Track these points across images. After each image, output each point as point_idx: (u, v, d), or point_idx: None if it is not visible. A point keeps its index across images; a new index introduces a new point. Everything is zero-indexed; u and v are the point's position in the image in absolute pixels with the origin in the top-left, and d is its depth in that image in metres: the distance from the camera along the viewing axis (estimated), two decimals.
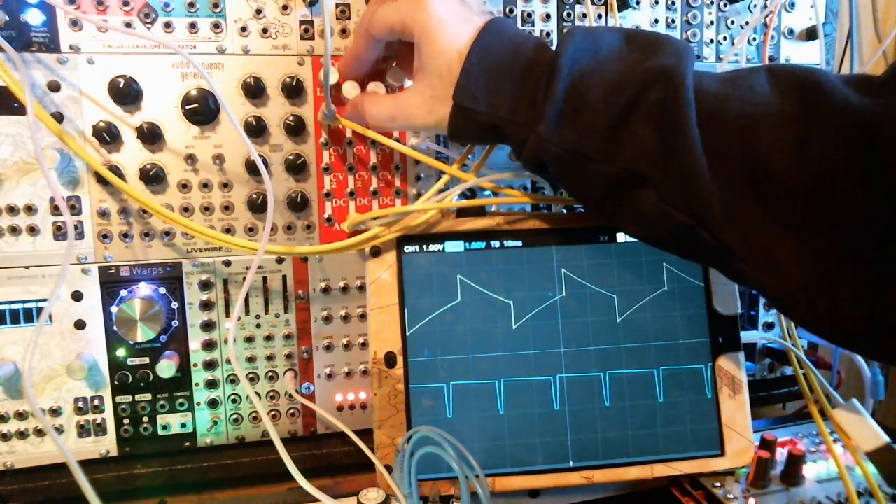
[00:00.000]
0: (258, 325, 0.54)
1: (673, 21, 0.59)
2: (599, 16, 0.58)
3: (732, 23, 0.61)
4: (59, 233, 0.49)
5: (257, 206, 0.52)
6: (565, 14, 0.57)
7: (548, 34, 0.57)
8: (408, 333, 0.52)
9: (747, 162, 0.36)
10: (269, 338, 0.55)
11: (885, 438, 0.51)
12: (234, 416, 0.55)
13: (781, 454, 0.55)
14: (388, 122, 0.49)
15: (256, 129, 0.51)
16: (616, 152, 0.39)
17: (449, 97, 0.43)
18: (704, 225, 0.37)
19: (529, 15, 0.56)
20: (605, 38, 0.43)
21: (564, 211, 0.58)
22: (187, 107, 0.50)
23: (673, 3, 0.59)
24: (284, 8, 0.51)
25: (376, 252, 0.52)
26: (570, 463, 0.52)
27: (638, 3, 0.58)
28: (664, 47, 0.40)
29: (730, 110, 0.37)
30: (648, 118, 0.38)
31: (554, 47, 0.43)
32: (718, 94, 0.37)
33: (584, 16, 0.57)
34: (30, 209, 0.49)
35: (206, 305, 0.53)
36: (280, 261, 0.54)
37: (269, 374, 0.55)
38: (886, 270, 0.32)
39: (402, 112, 0.47)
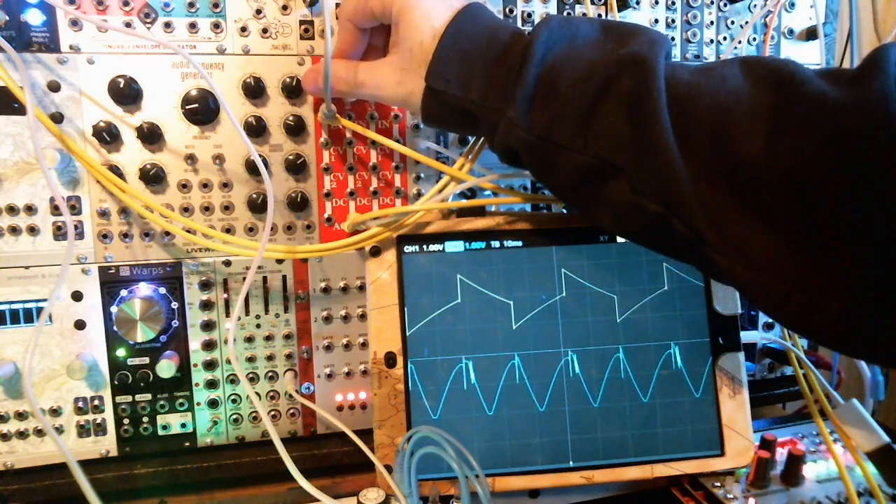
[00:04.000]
0: (258, 326, 0.54)
1: (673, 21, 0.59)
2: (599, 15, 0.58)
3: (732, 23, 0.61)
4: (59, 233, 0.49)
5: (257, 206, 0.52)
6: (565, 14, 0.57)
7: None
8: (408, 333, 0.52)
9: (719, 151, 0.36)
10: (269, 338, 0.55)
11: (885, 438, 0.51)
12: (234, 416, 0.55)
13: (781, 454, 0.55)
14: (357, 88, 0.48)
15: (256, 129, 0.51)
16: (587, 140, 0.39)
17: (419, 73, 0.44)
18: (677, 214, 0.37)
19: (530, 15, 0.56)
20: (582, 27, 0.42)
21: (564, 211, 0.58)
22: (187, 107, 0.50)
23: (673, 3, 0.59)
24: (284, 8, 0.51)
25: (376, 252, 0.52)
26: (570, 463, 0.52)
27: (638, 3, 0.58)
28: (638, 36, 0.40)
29: (701, 100, 0.37)
30: (619, 106, 0.38)
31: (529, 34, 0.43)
32: (690, 84, 0.37)
33: (584, 16, 0.57)
34: (30, 209, 0.49)
35: (206, 305, 0.53)
36: (280, 261, 0.54)
37: (269, 374, 0.55)
38: (862, 265, 0.32)
39: (371, 79, 0.47)
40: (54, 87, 0.48)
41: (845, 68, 0.35)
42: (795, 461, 0.52)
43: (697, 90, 0.37)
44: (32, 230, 0.49)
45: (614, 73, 0.38)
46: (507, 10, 0.56)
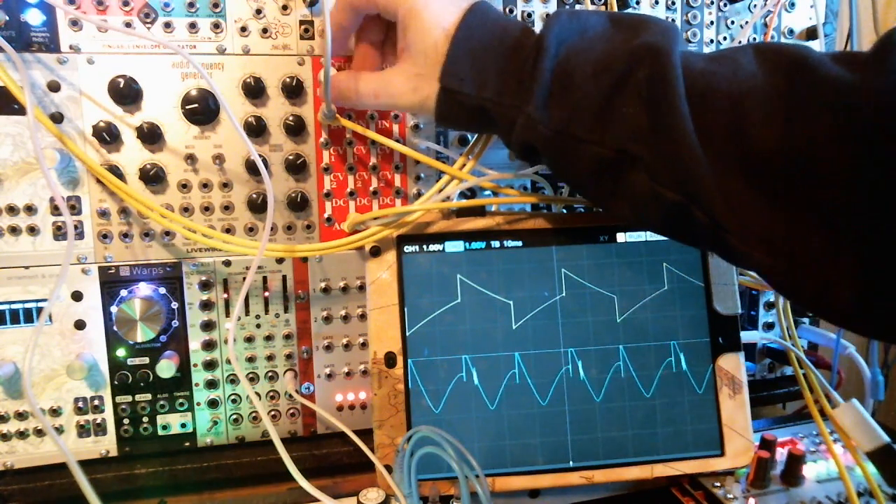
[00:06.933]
0: (258, 325, 0.54)
1: (673, 21, 0.59)
2: None
3: (732, 23, 0.61)
4: (59, 233, 0.49)
5: (257, 206, 0.52)
6: None
7: None
8: (408, 333, 0.52)
9: (736, 139, 0.36)
10: (269, 338, 0.55)
11: (885, 438, 0.51)
12: (234, 416, 0.55)
13: (781, 454, 0.55)
14: (372, 100, 0.48)
15: (256, 129, 0.51)
16: (605, 132, 0.39)
17: (434, 76, 0.43)
18: (697, 202, 0.37)
19: (529, 15, 0.56)
20: (591, 19, 0.43)
21: (564, 211, 0.58)
22: (187, 107, 0.50)
23: (673, 3, 0.59)
24: (284, 8, 0.51)
25: (376, 252, 0.52)
26: (570, 463, 0.52)
27: (638, 2, 0.58)
28: (649, 26, 0.40)
29: (717, 88, 0.37)
30: (637, 96, 0.38)
31: (539, 29, 0.43)
32: (706, 72, 0.37)
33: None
34: (30, 209, 0.49)
35: (206, 305, 0.53)
36: (280, 261, 0.54)
37: (269, 374, 0.55)
38: (877, 248, 0.32)
39: (385, 89, 0.47)
40: (54, 87, 0.48)
41: (858, 52, 0.35)
42: (795, 461, 0.52)
43: (713, 79, 0.37)
44: (32, 230, 0.49)
45: (630, 63, 0.38)
46: (507, 9, 0.56)
